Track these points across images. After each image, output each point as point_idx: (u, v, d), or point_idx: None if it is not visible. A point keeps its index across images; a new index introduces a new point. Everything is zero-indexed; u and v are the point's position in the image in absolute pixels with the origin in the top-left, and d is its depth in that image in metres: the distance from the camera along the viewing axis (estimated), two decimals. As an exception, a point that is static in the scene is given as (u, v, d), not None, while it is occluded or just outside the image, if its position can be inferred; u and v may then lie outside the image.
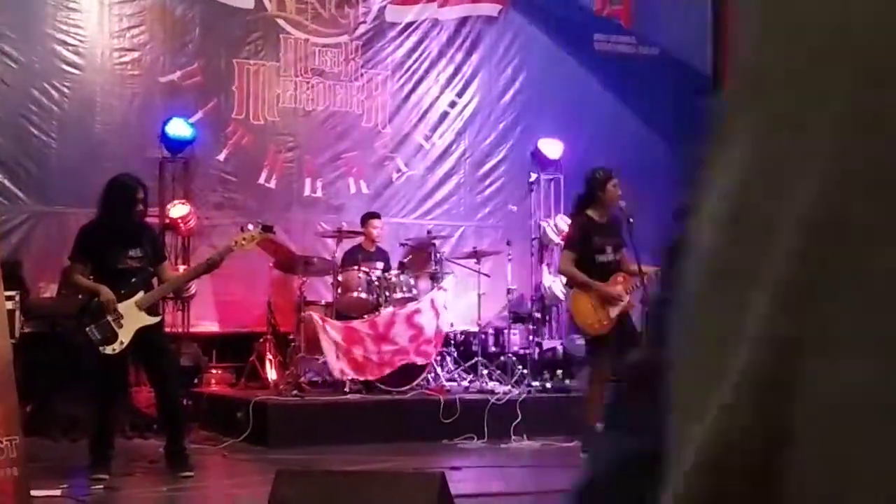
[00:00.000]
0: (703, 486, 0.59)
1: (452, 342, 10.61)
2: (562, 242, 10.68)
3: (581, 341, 9.30)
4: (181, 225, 10.73)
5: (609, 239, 8.36)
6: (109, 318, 7.25)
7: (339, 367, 9.66)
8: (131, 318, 7.31)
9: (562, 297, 10.04)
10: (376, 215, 11.12)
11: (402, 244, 11.41)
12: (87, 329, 7.26)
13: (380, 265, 10.69)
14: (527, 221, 12.11)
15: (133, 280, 7.40)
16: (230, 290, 10.88)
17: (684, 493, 0.60)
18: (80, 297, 7.82)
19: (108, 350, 7.27)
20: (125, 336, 7.28)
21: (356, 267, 10.35)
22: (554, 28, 12.99)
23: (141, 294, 7.37)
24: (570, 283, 8.67)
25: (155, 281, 7.59)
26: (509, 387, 10.11)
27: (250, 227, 7.72)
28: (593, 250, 8.34)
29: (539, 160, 12.14)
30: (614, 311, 8.26)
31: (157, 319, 7.52)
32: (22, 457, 5.47)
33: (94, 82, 11.15)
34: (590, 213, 8.41)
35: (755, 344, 0.58)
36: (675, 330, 0.64)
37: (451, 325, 10.33)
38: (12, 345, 6.16)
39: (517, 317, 11.09)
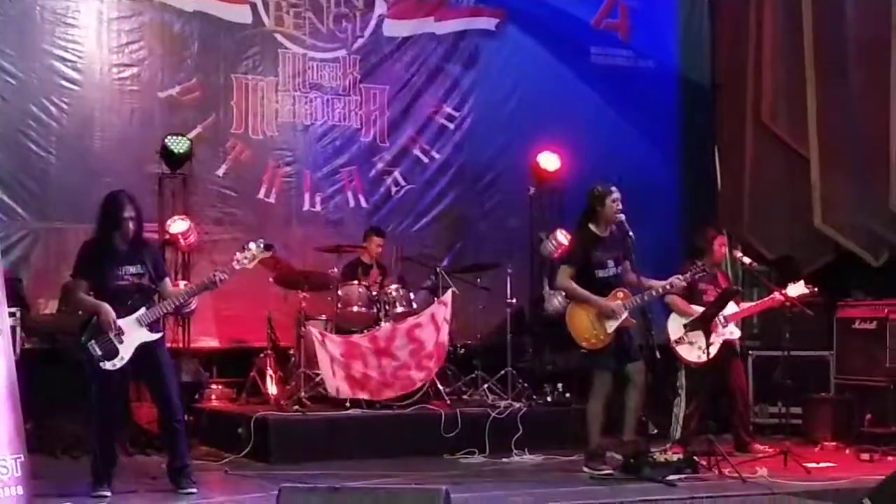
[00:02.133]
0: None
1: (453, 356, 10.59)
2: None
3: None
4: (181, 240, 10.70)
5: (610, 253, 8.34)
6: (111, 334, 7.25)
7: (335, 385, 9.63)
8: (132, 334, 7.31)
9: (563, 310, 10.01)
10: (380, 233, 11.09)
11: (401, 258, 11.41)
12: (88, 344, 7.26)
13: (379, 279, 10.70)
14: (526, 235, 12.09)
15: (134, 296, 7.40)
16: (230, 305, 10.87)
17: None
18: (80, 313, 7.80)
19: (109, 366, 7.27)
20: (126, 352, 7.28)
21: (356, 281, 10.35)
22: (551, 41, 12.98)
23: (143, 310, 7.37)
24: (568, 297, 8.66)
25: (156, 297, 7.58)
26: (510, 401, 10.11)
27: (251, 245, 7.69)
28: (594, 265, 8.33)
29: (538, 174, 12.12)
30: (612, 326, 8.24)
31: (158, 336, 7.50)
32: (26, 475, 5.46)
33: (93, 98, 11.16)
34: (591, 227, 8.40)
35: None
36: None
37: (451, 339, 10.29)
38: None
39: (517, 330, 11.07)
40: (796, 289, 9.25)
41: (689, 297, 9.20)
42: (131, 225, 7.42)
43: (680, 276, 8.51)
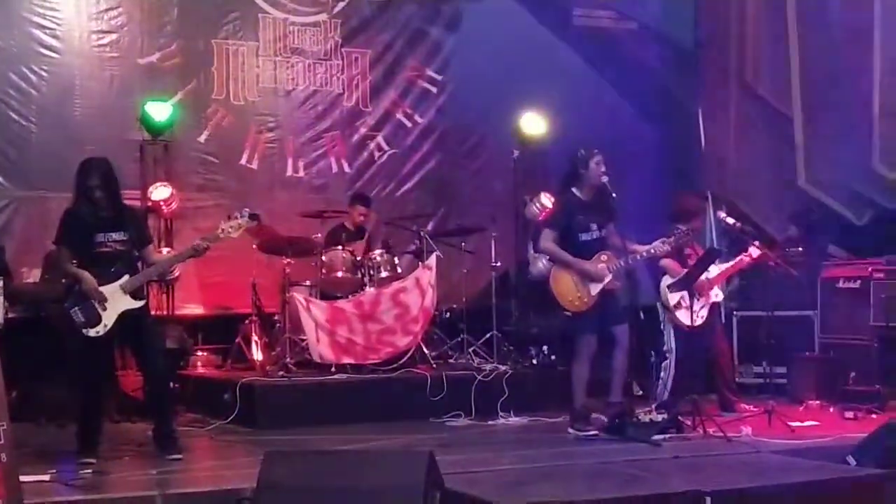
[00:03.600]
0: None
1: (438, 320, 10.59)
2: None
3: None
4: (163, 207, 10.67)
5: (594, 216, 8.34)
6: (93, 300, 7.23)
7: (319, 350, 9.63)
8: (115, 301, 7.28)
9: (547, 273, 10.04)
10: (365, 202, 11.04)
11: (385, 223, 11.39)
12: (71, 310, 7.24)
13: (362, 244, 10.68)
14: (510, 198, 12.08)
15: (117, 263, 7.36)
16: (214, 271, 10.85)
17: None
18: (63, 281, 7.78)
19: (92, 333, 7.24)
20: (108, 319, 7.25)
21: (340, 247, 10.32)
22: (533, 3, 12.92)
23: (126, 277, 7.33)
24: (552, 260, 8.66)
25: (140, 264, 7.55)
26: (496, 364, 10.13)
27: (237, 215, 7.66)
28: (577, 229, 8.33)
29: (521, 137, 12.09)
30: (596, 289, 8.26)
31: (141, 303, 7.46)
32: (10, 443, 5.45)
33: (73, 65, 11.09)
34: (574, 191, 8.40)
35: None
36: None
37: (436, 303, 10.28)
38: (-3, 331, 6.14)
39: (502, 294, 11.07)
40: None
41: (677, 261, 9.21)
42: (98, 193, 7.33)
43: (664, 240, 8.51)
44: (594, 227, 8.36)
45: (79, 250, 7.38)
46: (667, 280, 9.22)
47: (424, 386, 9.42)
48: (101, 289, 7.25)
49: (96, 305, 7.24)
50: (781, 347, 9.90)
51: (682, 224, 8.99)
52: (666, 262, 9.13)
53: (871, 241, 10.68)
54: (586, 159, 8.35)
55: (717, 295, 9.32)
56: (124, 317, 7.32)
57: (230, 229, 7.58)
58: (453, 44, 12.63)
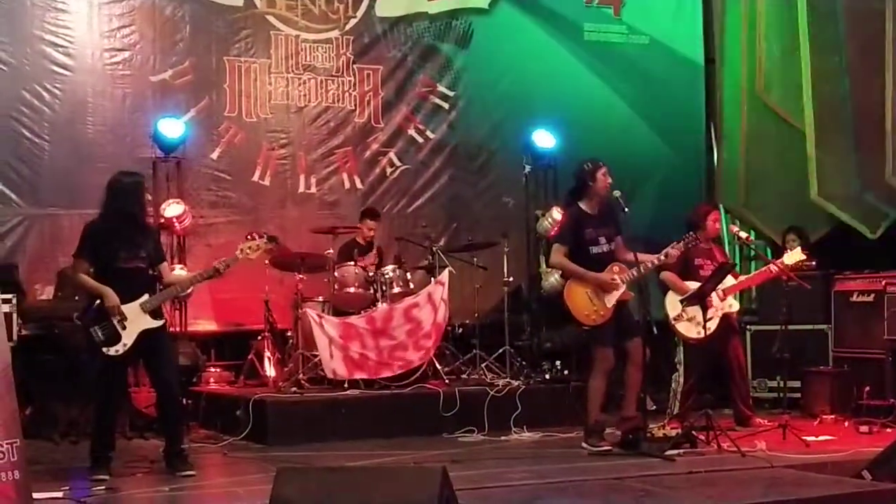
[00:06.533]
0: None
1: (451, 335, 10.58)
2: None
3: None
4: (176, 224, 10.67)
5: (602, 229, 8.32)
6: (114, 319, 7.21)
7: (332, 366, 9.61)
8: (135, 320, 7.26)
9: (560, 287, 10.04)
10: (374, 215, 11.08)
11: (397, 239, 11.40)
12: (92, 329, 7.21)
13: (375, 260, 10.69)
14: (522, 213, 12.07)
15: (138, 281, 7.35)
16: (227, 288, 10.79)
17: None
18: (76, 298, 7.77)
19: (112, 352, 7.22)
20: (128, 338, 7.23)
21: (352, 262, 10.33)
22: (544, 19, 12.93)
23: (146, 297, 7.33)
24: (564, 275, 8.64)
25: (157, 284, 7.55)
26: (508, 379, 10.11)
27: (257, 237, 7.68)
28: (586, 242, 8.30)
29: (533, 152, 12.09)
30: (611, 301, 8.23)
31: (160, 322, 7.45)
32: (23, 460, 5.45)
33: (85, 83, 11.10)
34: (582, 204, 8.37)
35: None
36: None
37: (448, 318, 10.26)
38: (10, 348, 6.13)
39: (514, 309, 11.06)
40: (793, 256, 9.24)
41: (686, 272, 9.19)
42: (128, 210, 7.38)
43: (674, 245, 8.48)
44: (602, 240, 8.34)
45: (100, 265, 7.35)
46: (671, 294, 9.21)
47: (437, 401, 9.40)
48: (122, 307, 7.24)
49: (116, 324, 7.22)
50: (795, 361, 9.86)
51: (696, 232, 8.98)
52: (665, 275, 9.13)
53: (884, 255, 10.65)
54: (593, 171, 8.33)
55: (730, 305, 9.30)
56: (142, 336, 7.31)
57: (248, 251, 7.61)
58: (464, 59, 12.62)
